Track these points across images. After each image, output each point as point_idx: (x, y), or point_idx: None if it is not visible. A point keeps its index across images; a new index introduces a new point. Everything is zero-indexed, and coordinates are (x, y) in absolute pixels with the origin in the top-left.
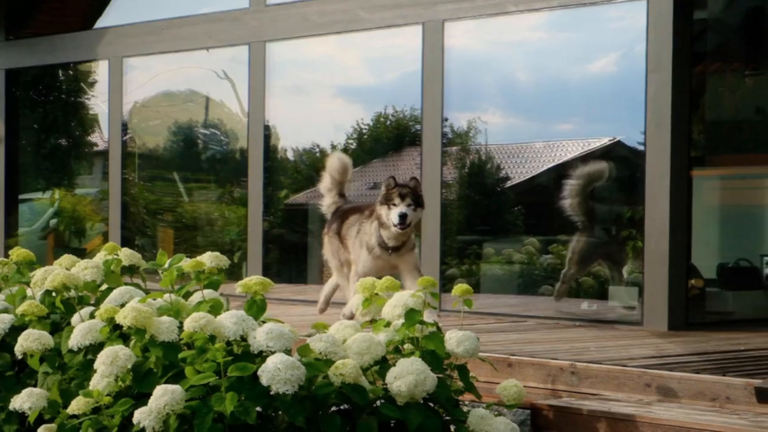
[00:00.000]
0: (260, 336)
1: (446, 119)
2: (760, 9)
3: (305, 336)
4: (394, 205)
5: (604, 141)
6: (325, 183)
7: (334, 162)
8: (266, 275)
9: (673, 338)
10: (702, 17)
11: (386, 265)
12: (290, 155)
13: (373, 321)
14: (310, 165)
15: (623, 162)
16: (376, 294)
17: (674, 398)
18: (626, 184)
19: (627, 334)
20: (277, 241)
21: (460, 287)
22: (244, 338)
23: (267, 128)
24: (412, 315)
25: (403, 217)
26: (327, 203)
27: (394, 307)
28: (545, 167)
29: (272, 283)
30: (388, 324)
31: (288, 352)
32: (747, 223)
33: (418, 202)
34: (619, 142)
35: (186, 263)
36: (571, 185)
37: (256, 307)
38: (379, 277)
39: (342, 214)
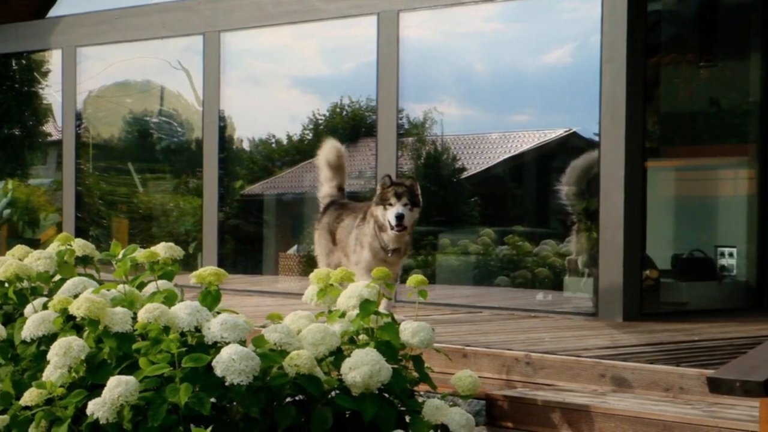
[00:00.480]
0: (215, 327)
1: (402, 110)
2: (714, 1)
3: (260, 327)
4: (390, 205)
5: (560, 132)
6: (325, 173)
7: (327, 150)
8: (222, 266)
9: (627, 329)
10: (656, 9)
11: (388, 266)
12: (246, 146)
13: (328, 312)
14: (266, 156)
15: (579, 153)
16: (331, 285)
17: (628, 388)
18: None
19: (582, 325)
20: (233, 232)
21: (414, 278)
22: (198, 329)
23: (222, 119)
24: (366, 306)
25: (400, 218)
26: (323, 194)
27: (349, 297)
28: (501, 158)
29: (227, 274)
30: (343, 315)
31: (243, 342)
32: (701, 214)
33: (414, 201)
34: (574, 133)
35: (140, 254)
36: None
37: (210, 298)
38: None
39: (336, 211)
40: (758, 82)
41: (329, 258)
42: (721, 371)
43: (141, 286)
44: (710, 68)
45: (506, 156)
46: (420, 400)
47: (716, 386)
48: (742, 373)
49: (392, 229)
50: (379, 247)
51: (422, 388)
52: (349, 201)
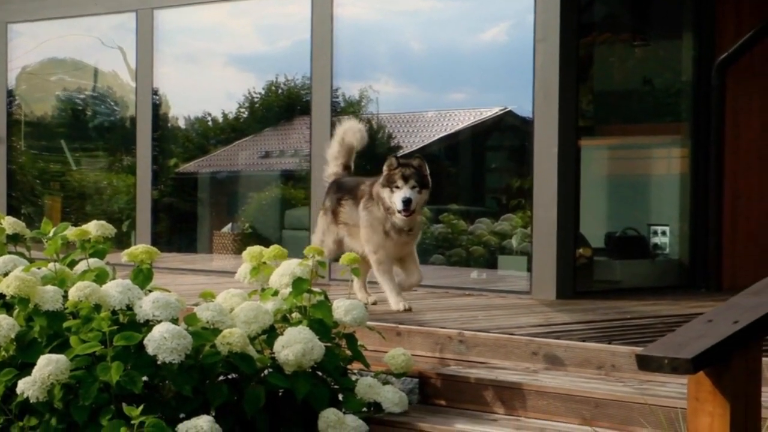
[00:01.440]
0: (146, 305)
1: (338, 88)
2: None
3: (193, 305)
4: (397, 187)
5: (496, 111)
6: (333, 149)
7: (350, 132)
8: (156, 244)
9: (560, 307)
10: None
11: (402, 247)
12: (182, 124)
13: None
14: (202, 134)
15: (514, 132)
16: (264, 263)
17: (561, 366)
18: (517, 154)
19: (516, 303)
20: (167, 210)
21: (347, 256)
22: (130, 307)
23: (157, 96)
24: (299, 284)
25: (407, 202)
26: (328, 173)
27: (281, 276)
28: (437, 136)
29: (158, 252)
30: (276, 293)
31: (175, 321)
32: (635, 193)
33: (423, 182)
34: (510, 111)
35: (71, 232)
36: None
37: (142, 276)
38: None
39: (339, 191)
40: (690, 62)
41: (324, 236)
42: (650, 348)
43: (72, 265)
44: (644, 47)
45: (442, 134)
46: (353, 378)
47: (645, 363)
48: (671, 351)
49: (399, 213)
50: (390, 228)
51: (356, 366)
52: (352, 178)
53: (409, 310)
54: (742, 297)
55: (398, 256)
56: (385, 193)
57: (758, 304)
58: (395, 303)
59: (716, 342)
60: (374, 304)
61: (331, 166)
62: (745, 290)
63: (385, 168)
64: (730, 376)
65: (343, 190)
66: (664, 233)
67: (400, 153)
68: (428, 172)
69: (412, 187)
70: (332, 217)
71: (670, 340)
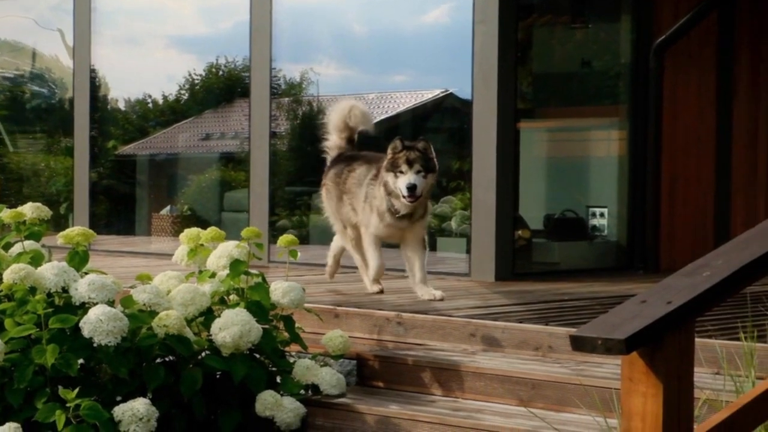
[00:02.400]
0: (82, 287)
1: (279, 70)
2: None
3: (130, 287)
4: (401, 172)
5: (437, 93)
6: (335, 121)
7: (354, 114)
8: (94, 226)
9: (499, 289)
10: None
11: (397, 231)
12: (122, 106)
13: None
14: (142, 116)
15: (454, 114)
16: (202, 245)
17: (498, 347)
18: (457, 136)
19: (454, 285)
20: (106, 193)
21: (284, 238)
22: (65, 290)
23: (96, 78)
24: (236, 266)
25: (411, 188)
26: (330, 145)
27: (218, 257)
28: (378, 119)
29: (94, 234)
30: (213, 275)
31: (111, 303)
32: (574, 175)
33: (429, 166)
34: (451, 94)
35: (5, 213)
36: None
37: (78, 259)
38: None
39: (345, 164)
40: (629, 44)
41: (339, 215)
42: (584, 329)
43: (7, 247)
44: (583, 30)
45: (383, 117)
46: (291, 360)
47: (579, 344)
48: (604, 331)
49: (404, 198)
50: (386, 210)
51: (294, 348)
52: (360, 152)
53: (380, 292)
54: (676, 278)
55: (395, 239)
56: (389, 177)
57: (691, 284)
58: (368, 284)
59: (649, 323)
60: (381, 292)
61: (333, 137)
62: (679, 271)
63: (389, 151)
64: (663, 356)
65: (348, 165)
66: (602, 215)
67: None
68: (434, 154)
69: (417, 172)
70: (337, 190)
71: (604, 320)
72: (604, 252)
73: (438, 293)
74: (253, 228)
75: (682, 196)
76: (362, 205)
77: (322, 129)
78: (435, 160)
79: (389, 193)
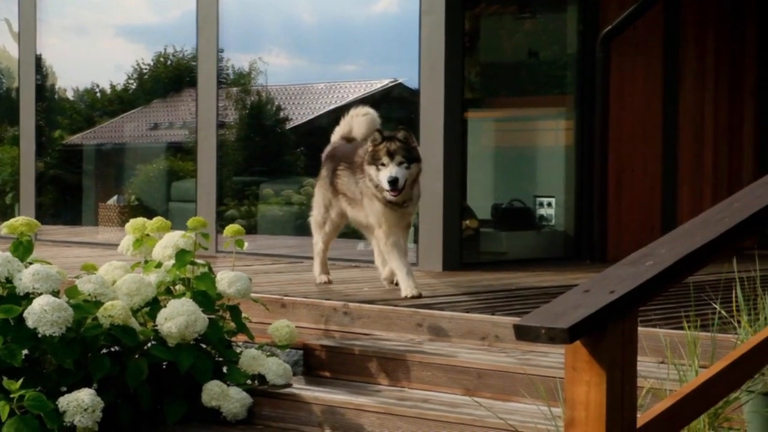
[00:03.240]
0: (26, 277)
1: (228, 60)
2: None
3: (75, 278)
4: (383, 165)
5: (386, 83)
6: (343, 128)
7: (365, 124)
8: (41, 216)
9: (446, 278)
10: None
11: (401, 216)
12: (70, 95)
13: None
14: (90, 105)
15: (403, 103)
16: (147, 235)
17: (445, 337)
18: (405, 126)
19: None
20: (53, 182)
21: (231, 228)
22: (9, 280)
23: (43, 67)
24: (182, 256)
25: (394, 182)
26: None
27: (164, 247)
28: (327, 109)
29: (38, 224)
30: (159, 265)
31: (56, 293)
32: (521, 165)
33: (411, 156)
34: (400, 84)
35: None
36: None
37: (22, 249)
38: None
39: (334, 160)
40: (576, 35)
41: (329, 212)
42: (527, 319)
43: None
44: (530, 20)
45: (332, 107)
46: (237, 350)
47: (522, 333)
48: (548, 321)
49: (387, 192)
50: (385, 201)
51: (241, 338)
52: (347, 145)
53: (419, 296)
54: (619, 267)
55: (399, 225)
56: (371, 170)
57: (634, 274)
58: (406, 287)
59: (592, 312)
60: (394, 283)
61: (334, 136)
62: (622, 260)
63: (369, 144)
64: (606, 345)
65: (338, 159)
66: (549, 205)
67: (289, 126)
68: (416, 143)
69: (399, 163)
70: (331, 188)
71: (547, 310)
72: (552, 242)
73: (418, 290)
74: (199, 218)
75: (629, 186)
76: (366, 201)
77: (268, 119)
78: (417, 148)
79: (375, 186)
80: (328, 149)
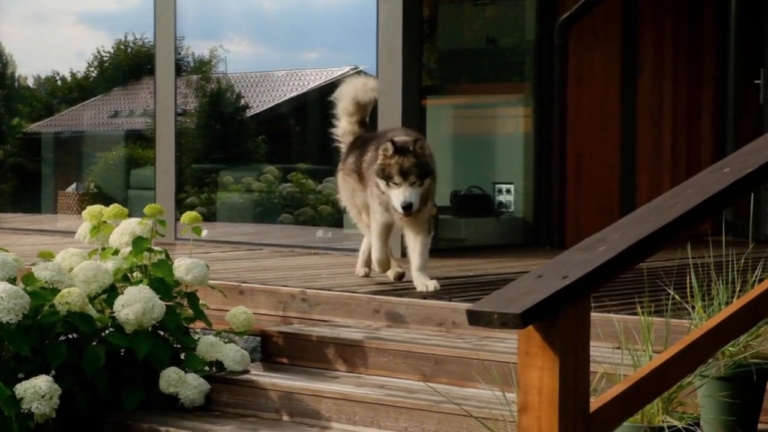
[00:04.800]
0: None
1: (188, 47)
2: None
3: (32, 265)
4: (395, 184)
5: (346, 70)
6: (346, 106)
7: (360, 89)
8: (0, 205)
9: (405, 264)
10: None
11: (407, 223)
12: (31, 83)
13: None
14: (51, 93)
15: None
16: (105, 222)
17: (402, 323)
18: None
19: None
20: (13, 171)
21: (188, 215)
22: None
23: (2, 56)
24: (139, 243)
25: (408, 207)
26: (342, 131)
27: (121, 234)
28: (287, 96)
29: None
30: (116, 252)
31: (13, 281)
32: (480, 151)
33: (425, 172)
34: (360, 71)
35: None
36: None
37: None
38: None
39: (361, 147)
40: (534, 21)
41: (353, 200)
42: (480, 304)
43: None
44: (489, 7)
45: (292, 94)
46: (195, 337)
47: (475, 319)
48: (500, 306)
49: (397, 212)
50: (387, 204)
51: (198, 325)
52: (373, 133)
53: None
54: (573, 252)
55: (401, 227)
56: (381, 184)
57: (587, 259)
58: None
59: (545, 297)
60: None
61: (344, 123)
62: (575, 246)
63: (380, 153)
64: (559, 330)
65: (365, 147)
66: (509, 191)
67: (250, 113)
68: (429, 151)
69: (412, 183)
70: (357, 177)
71: (500, 295)
72: (511, 228)
73: (431, 284)
74: (156, 205)
75: (587, 172)
76: (372, 189)
77: (229, 106)
78: (432, 158)
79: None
80: (349, 140)
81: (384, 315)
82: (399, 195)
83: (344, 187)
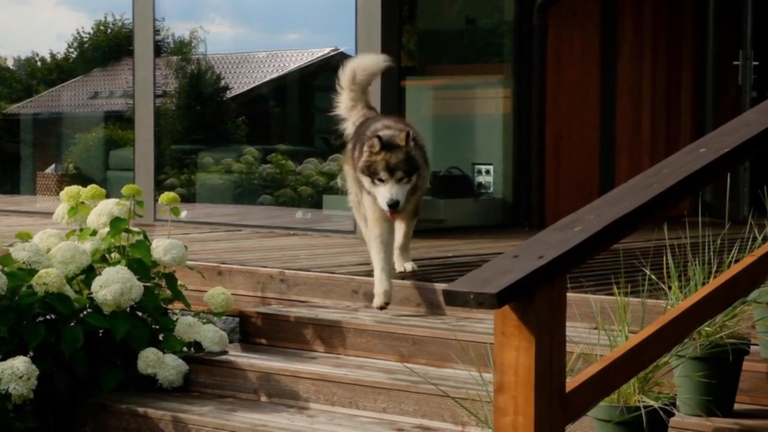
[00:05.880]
0: None
1: (168, 28)
2: None
3: (9, 246)
4: (381, 180)
5: (326, 51)
6: (348, 93)
7: (359, 66)
8: None
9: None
10: None
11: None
12: (10, 64)
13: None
14: (30, 74)
15: None
16: (82, 203)
17: None
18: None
19: (339, 242)
20: None
21: (166, 195)
22: None
23: None
24: (117, 223)
25: (394, 205)
26: (344, 109)
27: (99, 215)
28: (268, 77)
29: None
30: (94, 233)
31: None
32: (459, 133)
33: (413, 167)
34: (341, 52)
35: None
36: None
37: None
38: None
39: (364, 135)
40: (513, 2)
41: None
42: (456, 284)
43: None
44: None
45: (273, 75)
46: (174, 318)
47: (451, 299)
48: (476, 286)
49: (384, 210)
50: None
51: (177, 306)
52: (378, 115)
53: (384, 306)
54: (548, 233)
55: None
56: (365, 181)
57: (563, 239)
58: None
59: (521, 277)
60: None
61: (346, 101)
62: (552, 226)
63: (365, 149)
64: (535, 310)
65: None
66: (488, 172)
67: (230, 94)
68: (421, 142)
69: (399, 180)
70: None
71: (477, 275)
72: (490, 209)
73: (409, 265)
74: (134, 186)
75: (566, 153)
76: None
77: (208, 87)
78: (420, 152)
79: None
80: (358, 123)
81: (362, 296)
82: (384, 192)
83: (350, 177)
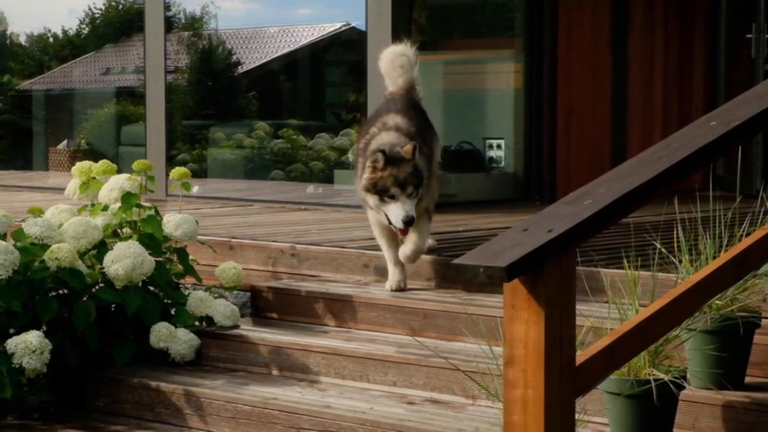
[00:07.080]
0: None
1: (179, 4)
2: None
3: (21, 221)
4: (391, 197)
5: (338, 26)
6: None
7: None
8: None
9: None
10: None
11: None
12: (23, 40)
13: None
14: (42, 50)
15: (353, 46)
16: (94, 178)
17: None
18: (355, 69)
19: (350, 217)
20: (6, 128)
21: (177, 170)
22: None
23: None
24: (128, 198)
25: (408, 222)
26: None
27: (110, 190)
28: (279, 53)
29: None
30: (105, 208)
31: (3, 237)
32: (470, 107)
33: (420, 179)
34: (353, 27)
35: None
36: None
37: None
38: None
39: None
40: None
41: None
42: (466, 258)
43: None
44: None
45: (284, 50)
46: (185, 292)
47: (461, 272)
48: (486, 259)
49: (396, 229)
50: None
51: (189, 281)
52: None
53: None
54: (558, 206)
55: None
56: (370, 199)
57: (572, 213)
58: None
59: (530, 250)
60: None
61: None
62: (561, 199)
63: (368, 165)
64: (545, 283)
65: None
66: (499, 147)
67: (242, 69)
68: (424, 146)
69: (410, 195)
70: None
71: (486, 248)
72: (501, 183)
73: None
74: (145, 161)
75: (578, 128)
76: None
77: (220, 62)
78: (422, 165)
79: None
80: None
81: (373, 270)
82: (396, 210)
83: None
